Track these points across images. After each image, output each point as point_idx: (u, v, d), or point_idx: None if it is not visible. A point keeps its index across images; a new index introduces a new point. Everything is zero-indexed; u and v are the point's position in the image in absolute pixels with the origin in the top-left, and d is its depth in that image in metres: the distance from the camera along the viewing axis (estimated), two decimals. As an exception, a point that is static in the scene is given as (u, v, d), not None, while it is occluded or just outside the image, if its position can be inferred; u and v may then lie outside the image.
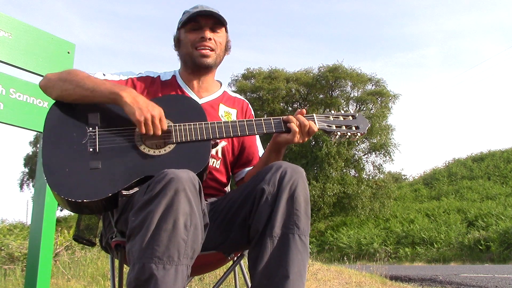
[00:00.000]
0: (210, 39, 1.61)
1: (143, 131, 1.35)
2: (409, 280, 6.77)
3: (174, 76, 1.71)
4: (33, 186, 27.53)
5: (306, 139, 1.54)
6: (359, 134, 1.61)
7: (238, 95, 1.84)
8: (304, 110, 1.56)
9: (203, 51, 1.61)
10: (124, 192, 1.28)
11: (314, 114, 1.58)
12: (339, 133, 1.59)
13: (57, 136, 1.39)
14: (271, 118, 1.54)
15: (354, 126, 1.61)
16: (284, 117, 1.54)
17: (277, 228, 1.27)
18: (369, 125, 1.67)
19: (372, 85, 24.82)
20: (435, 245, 15.82)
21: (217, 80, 1.79)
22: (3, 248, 5.57)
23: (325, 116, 1.61)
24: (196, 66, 1.64)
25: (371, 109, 23.99)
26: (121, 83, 1.58)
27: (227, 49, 1.71)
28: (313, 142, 23.50)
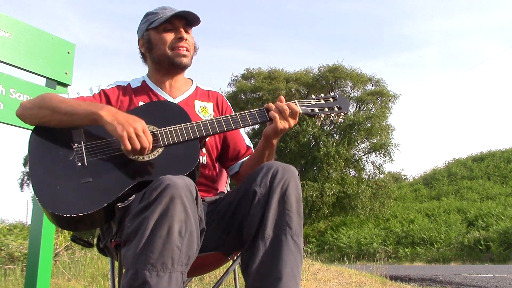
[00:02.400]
0: (186, 39, 1.64)
1: (128, 146, 1.31)
2: (409, 280, 6.76)
3: (144, 81, 1.71)
4: (33, 186, 27.43)
5: (292, 122, 1.53)
6: (342, 114, 1.63)
7: (211, 88, 1.83)
8: (282, 97, 1.57)
9: (182, 51, 1.63)
10: (120, 205, 1.26)
11: (296, 100, 1.59)
12: (322, 115, 1.61)
13: (44, 156, 1.38)
14: (254, 109, 1.55)
15: (336, 107, 1.64)
16: (265, 105, 1.55)
17: (269, 229, 1.27)
18: (350, 104, 1.70)
19: (372, 85, 24.81)
20: (435, 245, 15.80)
21: (188, 78, 1.80)
22: (3, 248, 5.57)
23: (307, 101, 1.63)
24: (172, 67, 1.66)
25: (371, 109, 23.97)
26: (95, 97, 1.59)
27: (195, 49, 1.73)
28: (313, 143, 23.50)
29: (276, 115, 1.50)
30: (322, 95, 1.68)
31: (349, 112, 1.68)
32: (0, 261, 5.32)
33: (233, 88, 25.57)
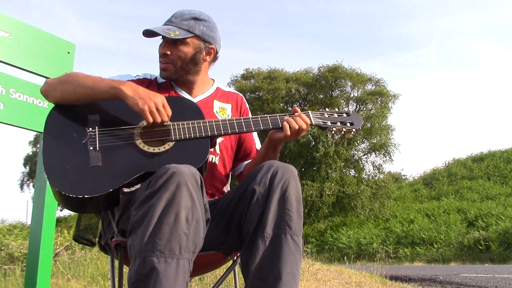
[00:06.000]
0: (165, 54, 1.62)
1: (150, 119, 1.38)
2: (409, 280, 6.76)
3: None
4: (33, 186, 27.52)
5: (299, 137, 1.58)
6: (354, 130, 1.66)
7: (232, 90, 1.85)
8: (297, 108, 1.60)
9: (161, 65, 1.65)
10: (125, 190, 1.28)
11: (309, 111, 1.62)
12: (334, 129, 1.64)
13: (58, 137, 1.42)
14: (267, 115, 1.58)
15: (349, 122, 1.66)
16: (280, 115, 1.57)
17: (269, 228, 1.27)
18: (363, 122, 1.74)
19: (372, 85, 24.82)
20: (435, 245, 15.81)
21: (210, 78, 1.81)
22: (3, 248, 5.57)
23: (320, 113, 1.66)
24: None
25: (371, 109, 23.98)
26: None
27: (194, 59, 1.63)
28: (313, 143, 23.51)
29: (288, 126, 1.53)
30: (336, 109, 1.72)
31: (360, 128, 1.71)
32: (0, 261, 5.32)
33: (233, 88, 25.59)
